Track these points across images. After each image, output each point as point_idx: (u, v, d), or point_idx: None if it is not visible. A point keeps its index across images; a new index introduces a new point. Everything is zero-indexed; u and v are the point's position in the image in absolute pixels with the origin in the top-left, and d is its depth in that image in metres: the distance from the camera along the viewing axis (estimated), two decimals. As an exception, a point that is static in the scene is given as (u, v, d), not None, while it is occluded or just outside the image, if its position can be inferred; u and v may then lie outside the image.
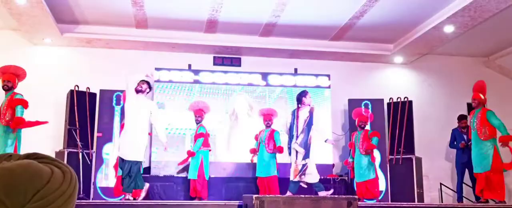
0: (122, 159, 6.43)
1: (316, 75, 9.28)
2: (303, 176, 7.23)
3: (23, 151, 6.28)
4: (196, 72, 8.98)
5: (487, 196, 6.87)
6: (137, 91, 6.57)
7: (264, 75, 9.16)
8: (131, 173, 6.37)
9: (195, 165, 7.56)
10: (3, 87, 6.36)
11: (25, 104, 6.25)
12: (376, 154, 8.22)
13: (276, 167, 7.85)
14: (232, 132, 8.95)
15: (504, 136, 6.66)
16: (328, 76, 9.28)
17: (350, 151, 8.14)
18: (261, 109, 8.41)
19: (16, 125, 6.09)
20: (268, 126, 8.06)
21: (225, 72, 9.15)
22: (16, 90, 6.40)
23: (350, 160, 8.07)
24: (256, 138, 8.19)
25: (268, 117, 8.08)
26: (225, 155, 8.79)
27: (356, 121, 8.13)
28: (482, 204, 6.94)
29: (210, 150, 7.79)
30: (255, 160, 8.08)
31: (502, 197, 6.74)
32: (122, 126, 7.24)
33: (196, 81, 8.95)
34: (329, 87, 9.26)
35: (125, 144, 6.46)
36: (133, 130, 6.46)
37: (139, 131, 6.51)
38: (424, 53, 9.56)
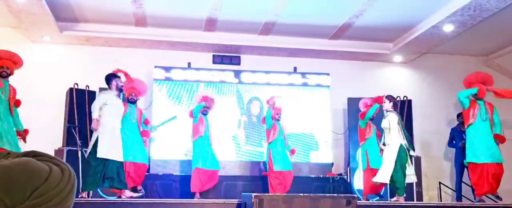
0: (110, 161, 6.11)
1: (316, 74, 9.28)
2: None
3: (22, 149, 6.27)
4: (196, 70, 8.98)
5: (494, 191, 6.84)
6: (121, 89, 6.42)
7: (264, 74, 9.17)
8: (121, 174, 6.22)
9: (213, 156, 7.58)
10: (1, 73, 6.21)
11: (18, 104, 6.27)
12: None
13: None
14: (236, 132, 8.94)
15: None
16: (328, 74, 9.28)
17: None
18: (275, 104, 8.24)
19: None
20: (278, 120, 7.97)
21: (224, 70, 9.15)
22: (11, 82, 6.32)
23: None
24: (270, 133, 7.85)
25: (279, 110, 7.99)
26: (224, 153, 8.78)
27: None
28: (480, 203, 6.95)
29: None
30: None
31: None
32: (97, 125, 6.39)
33: (195, 80, 8.95)
34: (328, 85, 9.26)
35: (119, 145, 6.25)
36: (118, 130, 6.32)
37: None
38: (424, 52, 9.56)
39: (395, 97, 9.02)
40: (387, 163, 6.80)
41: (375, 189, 7.41)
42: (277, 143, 7.79)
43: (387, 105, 7.13)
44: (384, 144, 6.93)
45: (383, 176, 6.81)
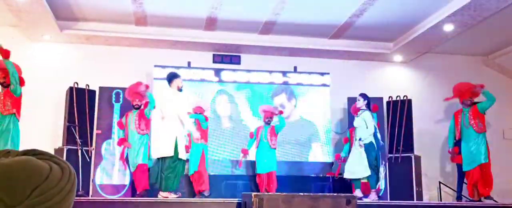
0: (177, 159, 6.27)
1: (316, 73, 9.28)
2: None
3: (22, 147, 6.26)
4: (196, 69, 8.97)
5: (483, 192, 7.00)
6: (181, 90, 6.54)
7: (264, 73, 9.16)
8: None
9: (196, 160, 7.60)
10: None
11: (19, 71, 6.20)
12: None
13: (276, 163, 7.91)
14: (233, 129, 8.94)
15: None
16: (328, 74, 9.28)
17: (345, 146, 8.18)
18: (262, 106, 8.39)
19: (6, 54, 6.01)
20: (268, 123, 8.05)
21: (225, 70, 9.14)
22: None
23: (342, 155, 8.11)
24: (252, 135, 8.18)
25: (269, 114, 8.08)
26: (224, 152, 8.78)
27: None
28: (481, 203, 6.95)
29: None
30: (248, 157, 8.16)
31: (489, 192, 6.96)
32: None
33: (195, 79, 8.94)
34: (328, 85, 9.26)
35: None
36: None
37: None
38: (424, 52, 9.56)
39: (395, 96, 9.07)
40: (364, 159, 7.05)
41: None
42: (262, 147, 7.96)
43: (361, 103, 7.20)
44: (360, 140, 7.03)
45: (364, 171, 6.96)
